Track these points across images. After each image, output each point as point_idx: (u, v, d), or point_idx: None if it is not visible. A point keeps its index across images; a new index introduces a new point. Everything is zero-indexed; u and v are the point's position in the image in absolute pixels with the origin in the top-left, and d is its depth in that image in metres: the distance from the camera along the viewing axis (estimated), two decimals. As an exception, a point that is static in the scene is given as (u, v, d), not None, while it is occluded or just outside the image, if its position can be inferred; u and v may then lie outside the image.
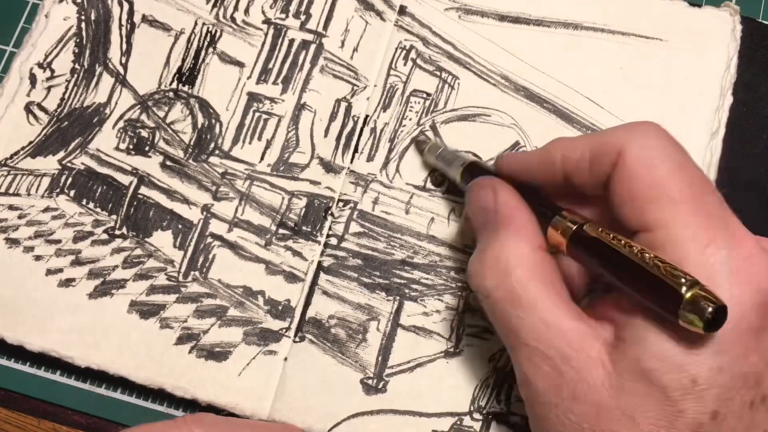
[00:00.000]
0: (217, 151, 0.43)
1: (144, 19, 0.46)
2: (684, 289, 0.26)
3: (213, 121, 0.44)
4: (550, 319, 0.30)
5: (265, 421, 0.39)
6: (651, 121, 0.32)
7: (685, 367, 0.27)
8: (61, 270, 0.41)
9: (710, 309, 0.26)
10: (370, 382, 0.39)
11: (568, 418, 0.29)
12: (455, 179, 0.40)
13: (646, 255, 0.28)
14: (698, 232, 0.28)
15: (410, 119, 0.43)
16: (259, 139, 0.44)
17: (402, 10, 0.45)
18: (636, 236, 0.30)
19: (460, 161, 0.39)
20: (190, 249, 0.42)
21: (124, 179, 0.43)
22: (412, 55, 0.44)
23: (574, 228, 0.31)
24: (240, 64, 0.45)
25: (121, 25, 0.46)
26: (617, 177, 0.31)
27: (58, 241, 0.42)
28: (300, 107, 0.44)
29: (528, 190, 0.35)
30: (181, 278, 0.41)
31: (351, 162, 0.43)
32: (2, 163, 0.43)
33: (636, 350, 0.28)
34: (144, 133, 0.44)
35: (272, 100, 0.44)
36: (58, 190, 0.43)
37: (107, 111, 0.44)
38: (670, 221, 0.29)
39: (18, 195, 0.43)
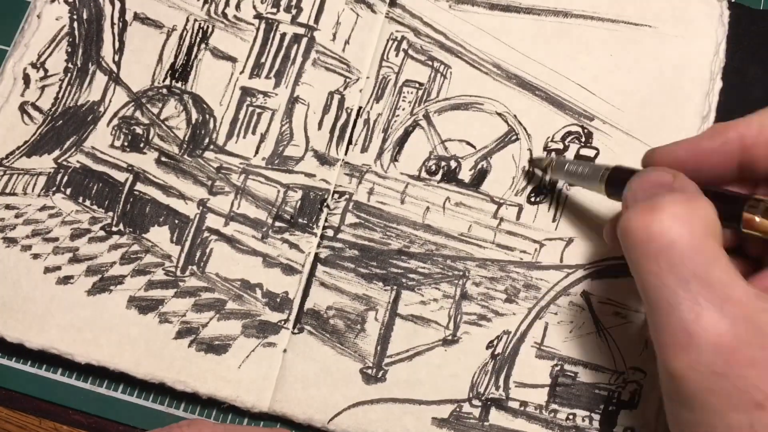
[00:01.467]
0: (211, 146, 0.43)
1: (136, 16, 0.46)
2: None
3: (207, 116, 0.44)
4: (727, 278, 0.28)
5: (260, 428, 0.39)
6: None
7: None
8: (59, 267, 0.41)
9: None
10: (369, 371, 0.40)
11: (738, 388, 0.27)
12: (597, 190, 0.37)
13: None
14: None
15: (403, 109, 0.44)
16: (254, 133, 0.44)
17: (393, 2, 0.45)
18: None
19: (599, 170, 0.37)
20: (187, 244, 0.42)
21: (119, 176, 0.43)
22: (404, 45, 0.45)
23: None
24: (232, 59, 0.45)
25: (113, 24, 0.46)
26: None
27: (56, 239, 0.42)
28: (293, 100, 0.44)
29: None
30: (178, 273, 0.41)
31: (345, 154, 0.43)
32: (-2, 162, 0.43)
33: None
34: (138, 130, 0.44)
35: (265, 94, 0.44)
36: (54, 189, 0.43)
37: (101, 109, 0.44)
38: None
39: (14, 194, 0.43)
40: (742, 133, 0.33)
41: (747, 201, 0.31)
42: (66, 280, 0.41)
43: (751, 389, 0.27)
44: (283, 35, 0.45)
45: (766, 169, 0.33)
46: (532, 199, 0.42)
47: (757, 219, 0.30)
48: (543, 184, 0.42)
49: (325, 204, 0.43)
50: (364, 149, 0.43)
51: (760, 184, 0.34)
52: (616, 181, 0.36)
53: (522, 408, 0.39)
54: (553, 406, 0.39)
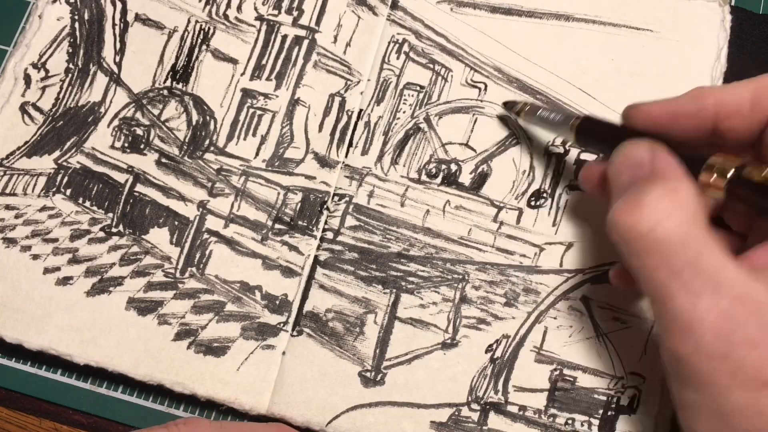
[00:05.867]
0: (212, 148, 0.43)
1: (137, 17, 0.46)
2: None
3: (207, 117, 0.44)
4: (717, 263, 0.28)
5: (257, 423, 0.39)
6: None
7: None
8: (58, 268, 0.41)
9: None
10: (368, 374, 0.40)
11: (740, 369, 0.27)
12: (567, 138, 0.39)
13: None
14: None
15: (404, 112, 0.44)
16: (254, 135, 0.44)
17: (394, 4, 0.45)
18: None
19: (570, 118, 0.38)
20: (187, 245, 0.42)
21: (119, 177, 0.43)
22: (405, 48, 0.44)
23: (734, 169, 0.30)
24: (233, 61, 0.45)
25: (114, 24, 0.46)
26: None
27: (56, 240, 0.42)
28: (294, 102, 0.44)
29: (667, 142, 0.33)
30: (178, 274, 0.41)
31: (346, 156, 0.43)
32: (-2, 163, 0.43)
33: None
34: (139, 131, 0.44)
35: (266, 96, 0.44)
36: (54, 189, 0.43)
37: (102, 110, 0.44)
38: None
39: (14, 195, 0.43)
40: (720, 101, 0.33)
41: (704, 161, 0.31)
42: (65, 280, 0.41)
43: (755, 369, 0.27)
44: (285, 37, 0.45)
45: (735, 139, 0.33)
46: (533, 203, 0.42)
47: (708, 176, 0.31)
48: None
49: (325, 206, 0.43)
50: (364, 152, 0.43)
51: (727, 149, 0.34)
52: (585, 130, 0.37)
53: (521, 412, 0.39)
54: (552, 410, 0.39)
